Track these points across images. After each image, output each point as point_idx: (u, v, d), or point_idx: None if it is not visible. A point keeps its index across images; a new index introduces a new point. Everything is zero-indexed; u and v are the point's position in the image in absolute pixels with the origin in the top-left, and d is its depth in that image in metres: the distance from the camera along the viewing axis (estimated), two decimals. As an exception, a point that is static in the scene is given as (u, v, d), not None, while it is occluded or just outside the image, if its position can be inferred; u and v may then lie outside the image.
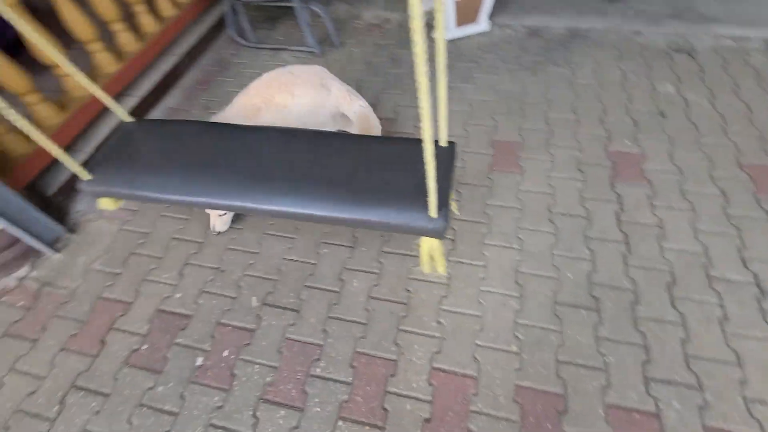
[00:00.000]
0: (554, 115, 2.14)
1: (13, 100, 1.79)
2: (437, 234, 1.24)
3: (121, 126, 1.60)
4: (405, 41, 2.70)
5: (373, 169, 1.33)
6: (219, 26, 2.94)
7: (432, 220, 1.20)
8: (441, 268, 1.43)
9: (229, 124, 1.55)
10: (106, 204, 1.54)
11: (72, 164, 1.40)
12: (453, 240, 1.69)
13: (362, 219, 1.25)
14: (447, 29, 2.63)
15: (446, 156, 1.32)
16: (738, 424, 1.20)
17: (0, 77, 1.72)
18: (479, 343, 1.42)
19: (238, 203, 1.33)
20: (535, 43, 2.57)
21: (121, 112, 1.58)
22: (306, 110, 1.66)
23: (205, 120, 1.68)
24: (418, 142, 1.27)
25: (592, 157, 1.93)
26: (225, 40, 2.91)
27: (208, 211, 1.68)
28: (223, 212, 1.68)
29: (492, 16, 2.71)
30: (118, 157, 1.48)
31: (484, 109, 2.21)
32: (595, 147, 1.97)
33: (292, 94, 1.64)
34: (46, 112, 1.90)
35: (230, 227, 1.80)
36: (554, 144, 2.00)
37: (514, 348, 1.40)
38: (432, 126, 0.95)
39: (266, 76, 1.71)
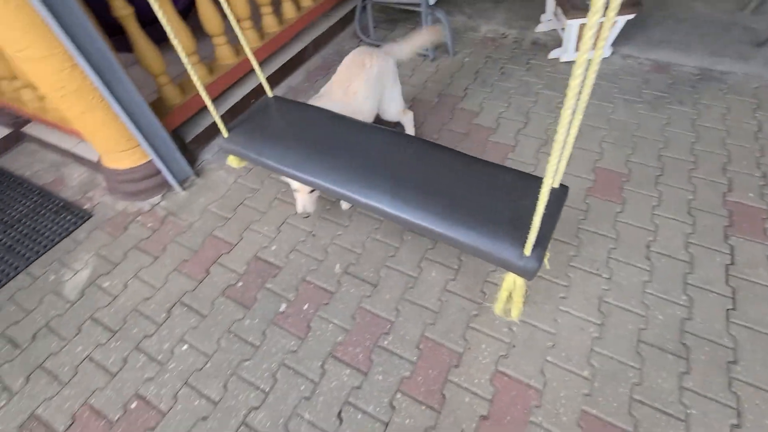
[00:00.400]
0: (669, 153, 2.02)
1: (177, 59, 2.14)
2: (525, 273, 1.14)
3: (264, 99, 1.80)
4: (517, 57, 2.73)
5: (477, 191, 1.29)
6: (344, 22, 3.19)
7: (524, 258, 1.11)
8: (516, 312, 1.30)
9: (352, 119, 1.64)
10: (232, 161, 1.75)
11: (219, 122, 1.61)
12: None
13: (454, 237, 1.20)
14: (566, 51, 2.61)
15: (556, 198, 1.22)
16: None
17: (177, 37, 2.06)
18: (549, 359, 1.40)
19: (341, 190, 1.38)
20: (660, 79, 2.45)
21: (267, 87, 1.80)
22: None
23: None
24: (529, 177, 1.29)
25: (705, 203, 1.80)
26: (348, 35, 3.16)
27: (295, 191, 1.68)
28: (312, 189, 1.65)
29: (615, 44, 2.64)
30: (253, 126, 1.66)
31: (592, 136, 2.15)
32: (712, 194, 1.83)
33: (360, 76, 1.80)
34: (201, 72, 2.23)
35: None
36: (664, 182, 1.90)
37: (585, 373, 1.36)
38: (555, 163, 0.89)
39: (347, 59, 1.87)
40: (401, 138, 1.55)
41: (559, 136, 0.84)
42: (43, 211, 2.07)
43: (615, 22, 2.41)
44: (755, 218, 1.73)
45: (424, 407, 1.33)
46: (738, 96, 2.28)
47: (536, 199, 0.97)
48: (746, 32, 2.68)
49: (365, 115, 1.83)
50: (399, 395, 1.36)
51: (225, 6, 1.47)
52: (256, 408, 1.37)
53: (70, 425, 1.38)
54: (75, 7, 1.45)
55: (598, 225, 1.76)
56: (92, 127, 1.80)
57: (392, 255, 1.75)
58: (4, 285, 1.78)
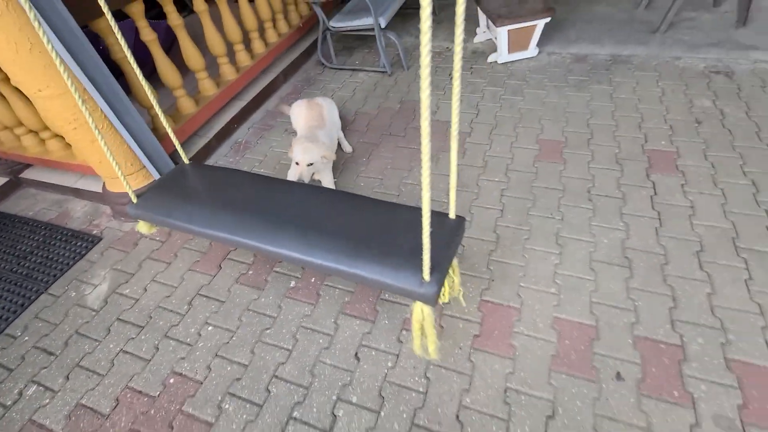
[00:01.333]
0: (595, 121, 2.44)
1: (167, 92, 2.43)
2: (427, 299, 1.20)
3: (180, 166, 1.88)
4: (464, 67, 3.17)
5: (380, 230, 1.39)
6: (307, 53, 3.59)
7: (424, 284, 1.18)
8: (432, 347, 1.32)
9: (267, 177, 1.80)
10: (141, 227, 1.83)
11: (129, 189, 1.66)
12: (501, 212, 2.00)
13: (359, 274, 1.28)
14: (501, 55, 3.07)
15: (453, 228, 1.34)
16: (757, 358, 1.36)
17: (163, 74, 2.35)
18: (522, 284, 1.68)
19: (250, 242, 1.46)
20: (580, 67, 2.93)
21: (182, 155, 1.89)
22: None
23: (250, 172, 1.93)
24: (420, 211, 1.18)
25: (629, 154, 2.19)
26: (312, 63, 3.55)
27: (296, 163, 1.93)
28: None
29: (540, 44, 3.13)
30: (163, 191, 1.74)
31: (532, 116, 2.56)
32: (633, 146, 2.23)
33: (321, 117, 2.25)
34: (187, 104, 2.51)
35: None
36: (594, 143, 2.29)
37: (553, 290, 1.65)
38: (429, 190, 0.99)
39: (304, 102, 2.34)
40: (312, 190, 1.67)
41: (425, 164, 0.95)
42: (53, 242, 2.22)
43: (536, 26, 2.91)
44: (668, 159, 2.13)
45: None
46: (643, 72, 2.77)
47: (440, 237, 1.10)
48: (642, 24, 3.25)
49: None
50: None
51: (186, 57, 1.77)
52: (283, 363, 1.56)
53: (115, 407, 1.52)
54: (89, 48, 1.73)
55: (548, 182, 2.12)
56: (99, 155, 2.02)
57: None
58: (27, 307, 1.91)
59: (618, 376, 1.39)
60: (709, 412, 1.28)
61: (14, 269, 2.10)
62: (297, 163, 1.93)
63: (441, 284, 1.21)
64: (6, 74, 2.05)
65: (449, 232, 1.33)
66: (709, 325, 1.47)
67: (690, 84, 2.60)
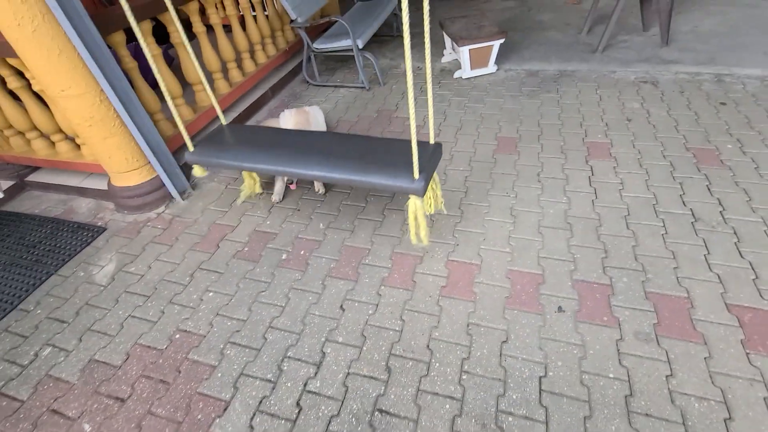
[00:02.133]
0: (545, 121, 2.84)
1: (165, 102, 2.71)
2: (417, 192, 1.66)
3: (219, 126, 2.33)
4: (434, 82, 3.59)
5: (382, 154, 1.87)
6: (293, 72, 3.97)
7: (414, 181, 1.64)
8: (423, 235, 1.81)
9: (282, 129, 2.27)
10: (197, 170, 2.26)
11: (188, 140, 2.16)
12: (465, 193, 2.32)
13: (370, 181, 1.75)
14: (464, 71, 3.51)
15: (433, 149, 1.82)
16: (669, 290, 1.67)
17: (166, 85, 2.65)
18: (483, 247, 1.98)
19: (285, 169, 1.92)
20: (532, 80, 3.38)
21: (222, 118, 2.40)
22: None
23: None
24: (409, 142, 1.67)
25: (572, 145, 2.58)
26: (298, 81, 3.92)
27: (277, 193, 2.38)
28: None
29: (498, 62, 3.59)
30: (211, 142, 2.19)
31: (491, 119, 2.95)
32: (575, 139, 2.62)
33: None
34: (185, 111, 2.80)
35: (299, 186, 2.52)
36: (543, 139, 2.68)
37: (507, 249, 1.95)
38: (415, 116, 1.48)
39: (293, 110, 2.72)
40: (325, 134, 2.22)
41: (429, 107, 1.49)
42: (60, 233, 2.41)
43: (492, 45, 3.38)
44: (604, 148, 2.52)
45: (401, 290, 1.83)
46: (584, 83, 3.23)
47: (424, 152, 1.60)
48: (584, 46, 3.78)
49: None
50: (382, 287, 1.85)
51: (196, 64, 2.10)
52: (277, 316, 1.79)
53: (126, 359, 1.70)
54: (109, 55, 2.02)
55: (504, 169, 2.46)
56: (110, 150, 2.27)
57: (363, 208, 2.30)
58: (38, 287, 2.09)
59: (559, 308, 1.67)
60: (631, 329, 1.57)
61: (23, 257, 2.28)
62: None
63: (427, 182, 1.68)
64: (25, 83, 2.32)
65: (431, 152, 1.79)
66: (632, 269, 1.79)
67: (623, 91, 3.06)
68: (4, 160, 2.75)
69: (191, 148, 2.18)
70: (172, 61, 3.93)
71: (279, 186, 2.44)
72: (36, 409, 1.58)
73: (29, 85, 2.33)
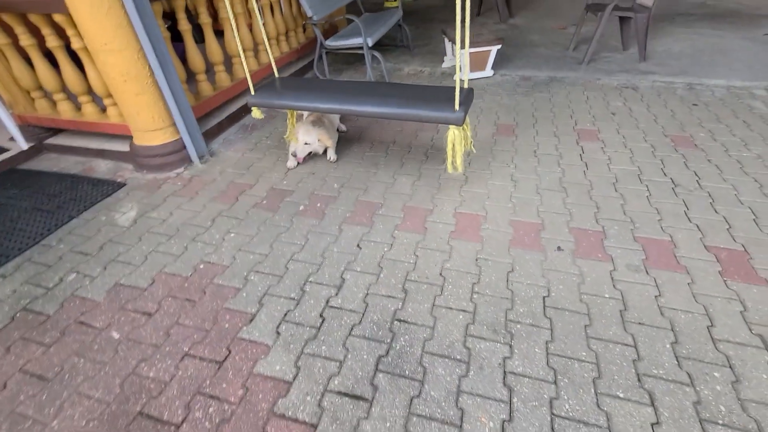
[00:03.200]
0: (538, 114, 3.12)
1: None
2: (457, 121, 1.95)
3: (272, 78, 2.57)
4: (433, 81, 3.88)
5: (428, 95, 2.15)
6: (305, 69, 4.23)
7: (455, 112, 1.94)
8: (459, 163, 2.12)
9: (333, 80, 2.53)
10: (255, 113, 2.44)
11: (250, 84, 2.36)
12: (469, 164, 2.52)
13: (419, 114, 2.02)
14: (464, 73, 3.82)
15: (468, 91, 2.06)
16: (655, 235, 1.87)
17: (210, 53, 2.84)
18: (487, 203, 2.16)
19: (342, 107, 2.17)
20: (526, 83, 3.71)
21: (275, 70, 2.60)
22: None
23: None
24: (450, 88, 2.08)
25: (563, 131, 2.84)
26: (310, 77, 4.17)
27: (300, 145, 2.51)
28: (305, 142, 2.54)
29: (495, 68, 3.93)
30: (268, 89, 2.40)
31: (490, 111, 3.22)
32: (566, 126, 2.89)
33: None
34: (206, 87, 2.98)
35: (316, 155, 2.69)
36: (539, 128, 2.94)
37: (509, 205, 2.13)
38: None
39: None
40: (370, 83, 2.46)
41: (457, 62, 1.74)
42: (80, 186, 2.49)
43: (490, 51, 3.71)
44: (592, 133, 2.78)
45: (413, 233, 1.98)
46: (573, 86, 3.57)
47: (462, 90, 1.90)
48: (572, 59, 4.17)
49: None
50: (396, 231, 2.00)
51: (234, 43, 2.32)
52: (298, 252, 1.90)
53: (152, 283, 1.78)
54: (152, 15, 2.21)
55: (504, 147, 2.69)
56: (139, 107, 2.41)
57: (374, 173, 2.47)
58: (60, 227, 2.15)
59: (558, 248, 1.84)
60: (623, 263, 1.74)
61: (45, 204, 2.34)
62: (298, 141, 2.44)
63: (465, 113, 1.95)
64: (63, 42, 2.48)
65: (466, 93, 2.03)
66: (622, 220, 1.98)
67: (607, 93, 3.39)
68: (27, 122, 2.85)
69: (252, 90, 2.39)
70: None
71: (292, 162, 2.61)
72: (63, 321, 1.63)
73: (66, 46, 2.48)
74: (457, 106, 1.94)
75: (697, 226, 1.92)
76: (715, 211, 2.01)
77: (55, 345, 1.54)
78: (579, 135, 2.78)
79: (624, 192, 2.18)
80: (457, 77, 1.94)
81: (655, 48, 4.28)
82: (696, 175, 2.29)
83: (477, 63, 3.79)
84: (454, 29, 3.96)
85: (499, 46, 3.70)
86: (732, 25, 4.94)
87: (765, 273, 1.65)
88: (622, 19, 4.16)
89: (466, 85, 2.08)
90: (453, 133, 2.07)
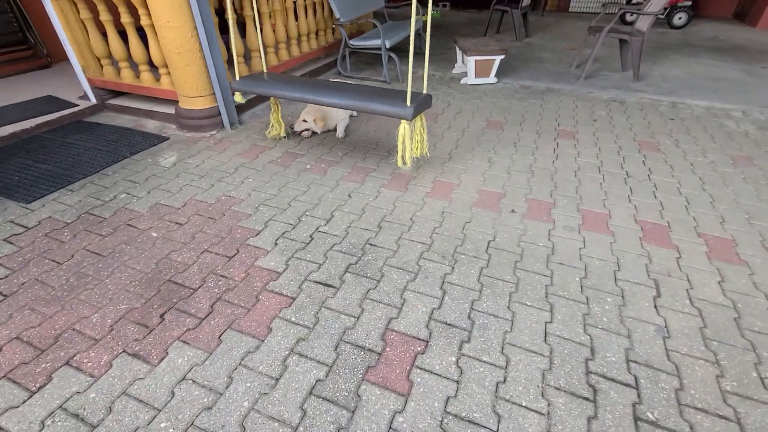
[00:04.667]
0: (528, 115, 3.52)
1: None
2: (407, 116, 2.17)
3: (260, 73, 2.96)
4: (443, 83, 4.34)
5: (386, 94, 2.40)
6: (328, 66, 4.76)
7: (406, 108, 2.18)
8: (408, 157, 2.42)
9: (313, 79, 2.98)
10: (237, 96, 2.88)
11: (237, 71, 2.85)
12: (456, 147, 2.93)
13: (377, 108, 2.28)
14: (469, 78, 4.26)
15: (425, 97, 2.32)
16: (594, 208, 2.23)
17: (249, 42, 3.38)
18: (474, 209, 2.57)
19: (309, 96, 2.48)
20: (524, 91, 4.11)
21: (264, 68, 3.10)
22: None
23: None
24: (403, 92, 2.35)
25: (546, 130, 3.22)
26: (332, 74, 4.69)
27: (300, 120, 3.00)
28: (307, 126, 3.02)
29: (498, 76, 4.35)
30: (254, 78, 2.79)
31: (485, 109, 3.63)
32: (550, 127, 3.28)
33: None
34: (257, 62, 3.52)
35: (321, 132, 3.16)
36: (524, 126, 3.33)
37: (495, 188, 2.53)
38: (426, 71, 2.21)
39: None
40: (342, 83, 2.79)
41: (426, 65, 2.17)
42: (133, 136, 3.04)
43: (494, 60, 4.15)
44: (570, 133, 3.16)
45: (395, 191, 2.40)
46: (566, 96, 3.95)
47: (416, 94, 2.26)
48: (571, 75, 4.55)
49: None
50: (382, 188, 2.43)
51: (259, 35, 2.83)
52: (299, 196, 2.35)
53: (184, 205, 2.25)
54: (207, 1, 2.75)
55: (489, 138, 3.10)
56: (186, 77, 2.94)
57: (374, 147, 2.92)
58: (116, 162, 2.68)
59: (512, 211, 2.23)
60: (561, 224, 2.11)
61: (104, 146, 2.89)
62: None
63: (416, 112, 2.21)
64: (133, 20, 3.05)
65: (423, 98, 2.32)
66: (572, 196, 2.35)
67: (595, 104, 3.75)
68: (95, 84, 3.44)
69: (237, 76, 2.82)
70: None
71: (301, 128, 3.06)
72: (115, 223, 2.12)
73: (134, 23, 3.06)
74: (408, 102, 2.22)
75: (635, 206, 2.27)
76: (655, 197, 2.35)
77: (109, 236, 2.02)
78: (558, 134, 3.16)
79: (582, 178, 2.55)
80: (409, 77, 2.22)
81: (652, 71, 4.62)
82: (649, 170, 2.63)
83: (482, 70, 4.23)
84: (465, 39, 4.46)
85: (502, 56, 4.13)
86: (734, 57, 5.22)
87: (677, 241, 2.00)
88: (622, 42, 4.53)
89: (425, 90, 2.42)
90: (404, 128, 2.38)
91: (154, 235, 2.03)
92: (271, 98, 2.88)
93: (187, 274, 1.78)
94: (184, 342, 1.48)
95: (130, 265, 1.84)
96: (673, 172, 2.62)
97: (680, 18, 7.01)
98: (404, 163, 2.49)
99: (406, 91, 2.27)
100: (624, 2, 7.94)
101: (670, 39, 6.33)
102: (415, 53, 5.44)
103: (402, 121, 2.36)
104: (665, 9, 7.02)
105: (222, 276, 1.77)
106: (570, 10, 9.09)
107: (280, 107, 3.00)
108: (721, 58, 5.19)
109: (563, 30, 7.11)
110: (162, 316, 1.59)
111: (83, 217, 2.16)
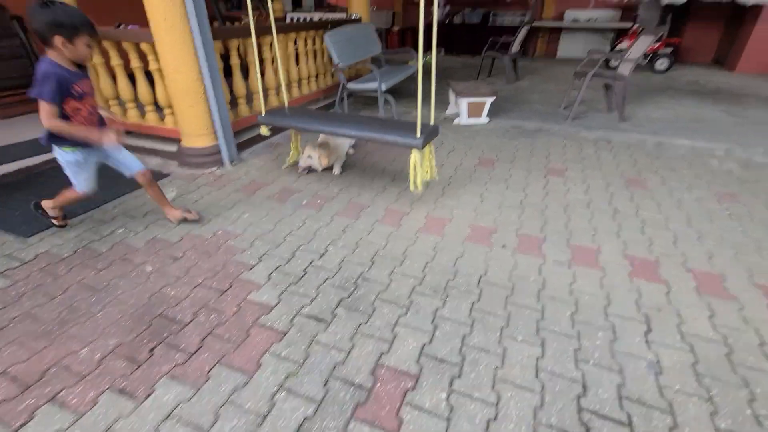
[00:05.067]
0: (519, 153, 3.64)
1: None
2: (418, 146, 2.42)
3: (281, 107, 3.20)
4: (437, 124, 4.51)
5: (398, 126, 2.72)
6: (327, 107, 4.97)
7: (416, 138, 2.42)
8: (419, 182, 2.60)
9: (330, 112, 3.15)
10: (263, 130, 3.07)
11: (262, 106, 3.01)
12: (449, 183, 3.02)
13: (390, 140, 2.52)
14: (462, 118, 4.45)
15: (433, 128, 2.58)
16: (585, 244, 2.27)
17: (251, 84, 3.56)
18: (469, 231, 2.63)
19: (328, 128, 2.75)
20: (515, 130, 4.28)
21: (286, 101, 3.27)
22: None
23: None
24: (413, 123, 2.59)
25: (536, 169, 3.33)
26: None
27: (305, 156, 3.11)
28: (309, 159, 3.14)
29: (490, 116, 4.54)
30: (277, 113, 3.05)
31: (478, 148, 3.76)
32: (540, 165, 3.38)
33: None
34: (245, 109, 3.68)
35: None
36: (515, 164, 3.44)
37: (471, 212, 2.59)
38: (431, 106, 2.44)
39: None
40: (357, 115, 3.05)
41: (432, 101, 2.33)
42: (134, 173, 3.12)
43: (485, 101, 4.34)
44: (560, 170, 3.26)
45: (389, 226, 2.45)
46: (555, 136, 4.10)
47: (425, 125, 2.43)
48: (560, 116, 4.75)
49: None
50: (376, 224, 2.47)
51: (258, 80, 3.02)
52: (295, 231, 2.39)
53: (180, 240, 2.29)
54: (212, 47, 2.93)
55: (481, 175, 3.19)
56: (191, 116, 3.07)
57: (369, 184, 3.00)
58: (116, 198, 2.74)
59: (504, 246, 2.26)
60: (552, 259, 2.14)
61: (104, 183, 2.95)
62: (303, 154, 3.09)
63: (425, 141, 2.45)
64: (142, 64, 3.23)
65: (431, 128, 2.56)
66: (562, 232, 2.40)
67: (583, 143, 3.90)
68: (101, 123, 3.58)
69: (263, 111, 3.07)
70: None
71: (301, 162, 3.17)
72: (111, 257, 2.15)
73: (143, 67, 3.24)
74: (418, 133, 2.44)
75: (624, 242, 2.31)
76: (643, 232, 2.40)
77: (104, 270, 2.04)
78: (548, 171, 3.26)
79: (572, 214, 2.61)
80: (418, 113, 2.40)
81: (637, 112, 4.83)
82: (637, 207, 2.70)
83: (474, 111, 4.41)
84: (458, 83, 4.67)
85: (493, 98, 4.33)
86: (714, 100, 5.48)
87: (667, 276, 2.02)
88: (606, 85, 4.77)
89: (432, 121, 2.64)
90: (415, 157, 2.58)
91: (149, 269, 2.05)
92: (291, 130, 3.15)
93: (179, 309, 1.79)
94: (172, 377, 1.47)
95: (122, 299, 1.85)
96: (660, 208, 2.69)
97: (662, 63, 7.40)
98: (416, 187, 2.65)
99: (416, 123, 2.46)
100: (608, 49, 8.41)
101: (654, 82, 6.66)
102: (412, 95, 5.69)
103: (413, 150, 2.53)
104: (647, 55, 7.43)
105: (214, 310, 1.78)
106: (558, 56, 9.59)
107: (300, 136, 3.26)
108: (702, 100, 5.44)
109: (551, 74, 7.48)
110: (151, 350, 1.58)
111: (80, 252, 2.19)
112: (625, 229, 2.43)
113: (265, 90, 4.08)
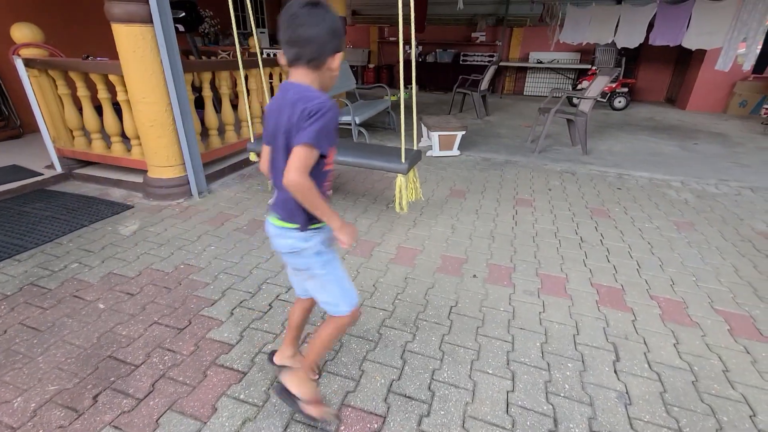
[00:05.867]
0: (488, 185, 3.73)
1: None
2: (402, 171, 2.65)
3: None
4: (410, 155, 4.60)
5: (386, 152, 2.88)
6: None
7: (401, 164, 2.65)
8: (404, 204, 2.76)
9: None
10: (252, 156, 3.10)
11: (251, 133, 3.01)
12: (420, 214, 3.04)
13: (377, 165, 2.73)
14: (434, 151, 4.55)
15: (416, 152, 2.83)
16: (552, 272, 2.30)
17: (224, 116, 3.55)
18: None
19: None
20: (485, 162, 4.40)
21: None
22: None
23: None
24: (398, 148, 2.79)
25: (505, 200, 3.41)
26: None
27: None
28: None
29: (461, 149, 4.67)
30: None
31: (449, 179, 3.84)
32: (509, 196, 3.47)
33: None
34: (216, 141, 3.65)
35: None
36: (485, 194, 3.52)
37: (448, 231, 2.59)
38: (415, 135, 2.55)
39: None
40: (351, 141, 3.08)
41: (415, 129, 2.41)
42: (96, 204, 2.99)
43: (456, 135, 4.48)
44: (528, 201, 3.34)
45: (360, 257, 2.41)
46: (523, 168, 4.24)
47: (409, 150, 2.56)
48: (527, 149, 4.95)
49: None
50: (347, 255, 2.43)
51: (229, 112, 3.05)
52: (262, 263, 2.32)
53: (139, 275, 2.17)
54: (182, 79, 2.92)
55: (452, 205, 3.23)
56: (159, 147, 3.01)
57: (342, 215, 2.96)
58: (72, 231, 2.59)
59: (474, 276, 2.26)
60: (521, 289, 2.15)
61: (62, 215, 2.81)
62: None
63: (410, 166, 2.69)
64: (109, 95, 3.18)
65: (414, 153, 2.82)
66: (531, 261, 2.42)
67: (549, 175, 4.04)
68: (64, 154, 3.46)
69: (252, 138, 3.26)
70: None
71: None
72: (61, 294, 2.00)
73: (111, 98, 3.19)
74: (403, 159, 2.55)
75: (590, 270, 2.35)
76: (608, 261, 2.45)
77: (51, 309, 1.89)
78: (516, 202, 3.34)
79: (540, 243, 2.66)
80: (402, 140, 2.56)
81: (599, 146, 5.09)
82: (602, 235, 2.78)
83: (446, 144, 4.54)
84: (430, 117, 4.83)
85: (463, 132, 4.48)
86: (669, 135, 5.86)
87: (632, 304, 2.05)
88: (569, 120, 5.03)
89: (415, 146, 2.74)
90: (400, 180, 2.69)
91: (101, 306, 1.92)
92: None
93: (131, 349, 1.66)
94: (115, 428, 1.34)
95: (68, 340, 1.71)
96: (623, 237, 2.78)
97: (620, 102, 7.92)
98: (401, 208, 2.80)
99: (400, 149, 2.70)
100: (570, 88, 8.96)
101: (613, 119, 7.09)
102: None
103: (398, 174, 2.71)
104: (606, 94, 7.95)
105: (169, 350, 1.66)
106: (525, 93, 10.13)
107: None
108: (658, 135, 5.81)
109: (519, 110, 7.86)
110: (95, 397, 1.44)
111: (26, 289, 2.04)
112: (591, 258, 2.48)
113: (238, 122, 4.08)
